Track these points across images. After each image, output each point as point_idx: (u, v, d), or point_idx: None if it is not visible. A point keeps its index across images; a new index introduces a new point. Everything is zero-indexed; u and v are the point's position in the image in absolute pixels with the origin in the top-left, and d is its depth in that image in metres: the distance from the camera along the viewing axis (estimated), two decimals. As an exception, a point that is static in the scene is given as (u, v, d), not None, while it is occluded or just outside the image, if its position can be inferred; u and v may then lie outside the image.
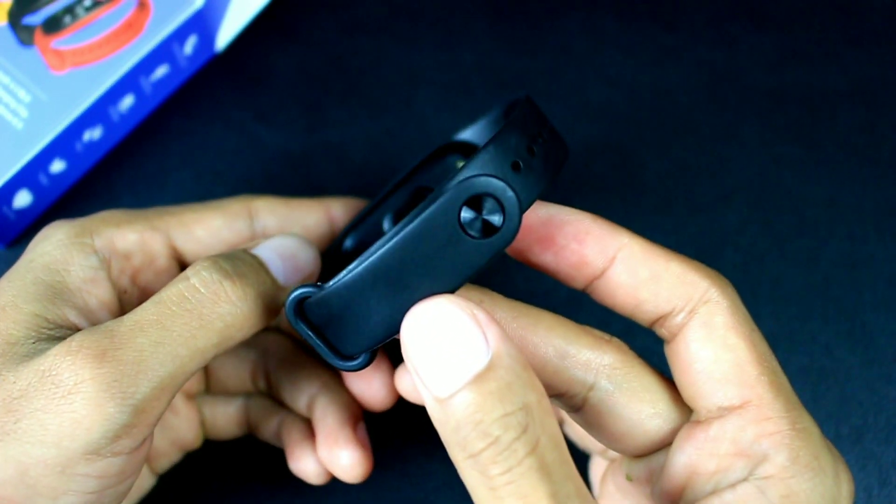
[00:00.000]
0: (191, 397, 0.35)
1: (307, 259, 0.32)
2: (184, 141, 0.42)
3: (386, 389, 0.34)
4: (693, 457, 0.27)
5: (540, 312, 0.29)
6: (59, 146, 0.38)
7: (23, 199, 0.39)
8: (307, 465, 0.34)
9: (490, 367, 0.24)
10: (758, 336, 0.27)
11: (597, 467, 0.34)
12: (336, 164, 0.42)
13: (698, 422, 0.27)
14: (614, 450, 0.29)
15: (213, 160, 0.42)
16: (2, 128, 0.38)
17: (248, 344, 0.35)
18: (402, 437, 0.38)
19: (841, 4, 0.46)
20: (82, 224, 0.30)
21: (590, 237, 0.28)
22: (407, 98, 0.43)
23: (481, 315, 0.24)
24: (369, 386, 0.34)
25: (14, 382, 0.26)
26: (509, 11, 0.45)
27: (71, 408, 0.25)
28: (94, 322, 0.29)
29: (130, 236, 0.31)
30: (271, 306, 0.30)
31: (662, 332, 0.29)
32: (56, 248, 0.30)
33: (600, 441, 0.29)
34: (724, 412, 0.26)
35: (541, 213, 0.28)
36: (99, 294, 0.30)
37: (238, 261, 0.29)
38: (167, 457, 0.35)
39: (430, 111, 0.43)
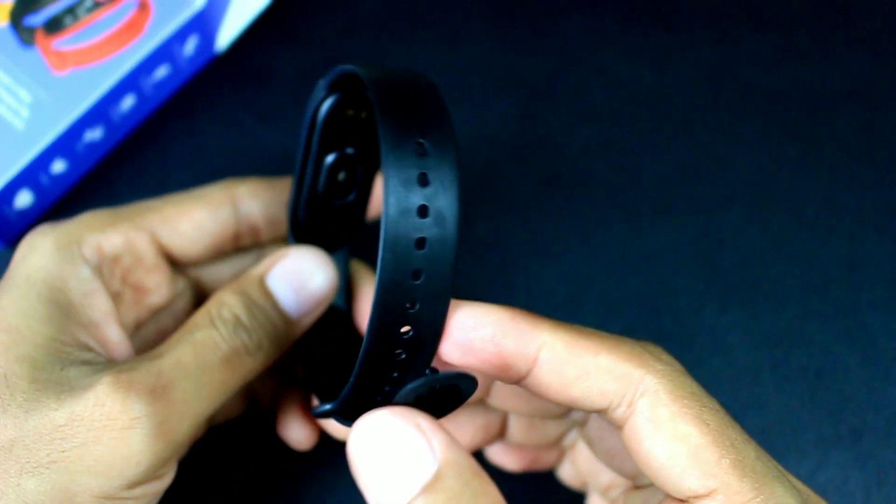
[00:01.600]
0: None
1: (321, 285, 0.32)
2: (184, 141, 0.42)
3: None
4: None
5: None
6: (60, 146, 0.39)
7: (24, 199, 0.39)
8: (293, 431, 0.35)
9: (437, 478, 0.23)
10: (709, 412, 0.25)
11: None
12: (336, 165, 0.42)
13: (675, 499, 0.26)
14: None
15: (214, 160, 0.42)
16: (3, 128, 0.38)
17: None
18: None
19: (841, 4, 0.46)
20: (66, 231, 0.30)
21: (507, 339, 0.26)
22: (407, 98, 0.43)
23: (425, 423, 0.24)
24: None
25: (56, 409, 0.27)
26: (509, 12, 0.45)
27: (126, 443, 0.26)
28: (99, 336, 0.30)
29: (115, 239, 0.31)
30: (285, 343, 0.31)
31: (608, 420, 0.27)
32: (49, 261, 0.30)
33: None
34: (694, 500, 0.25)
35: (454, 317, 0.26)
36: (99, 305, 0.30)
37: (254, 308, 0.31)
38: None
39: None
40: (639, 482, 0.30)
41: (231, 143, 0.42)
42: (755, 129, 0.43)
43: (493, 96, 0.43)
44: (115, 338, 0.30)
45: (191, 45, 0.41)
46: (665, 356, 0.26)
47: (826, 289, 0.41)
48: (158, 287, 0.32)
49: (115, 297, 0.31)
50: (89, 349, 0.29)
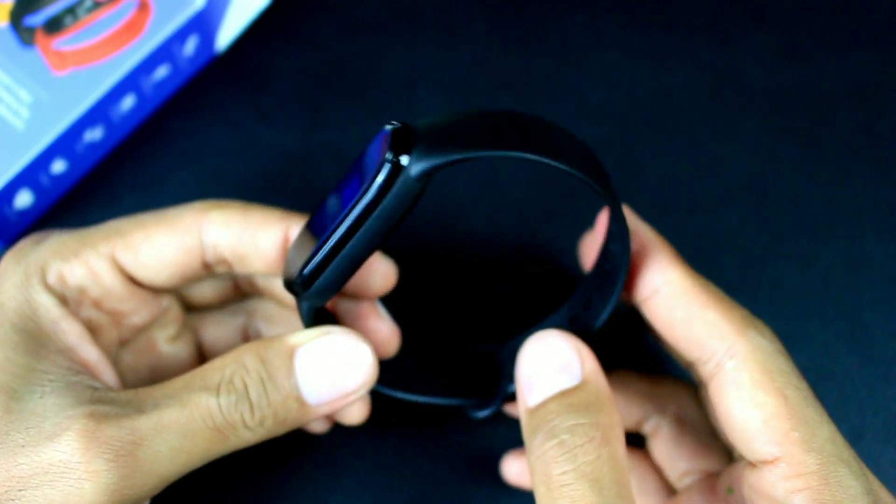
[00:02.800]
0: None
1: (355, 385, 0.29)
2: (184, 141, 0.42)
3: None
4: (747, 494, 0.28)
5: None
6: (60, 146, 0.39)
7: (24, 199, 0.39)
8: None
9: (577, 388, 0.27)
10: (792, 389, 0.27)
11: None
12: (336, 165, 0.42)
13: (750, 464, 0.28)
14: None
15: (214, 161, 0.42)
16: (3, 128, 0.38)
17: (234, 311, 0.35)
18: (402, 438, 0.38)
19: (841, 4, 0.46)
20: (36, 257, 0.30)
21: (644, 262, 0.30)
22: (407, 98, 0.43)
23: (584, 351, 0.28)
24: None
25: (22, 447, 0.26)
26: (509, 11, 0.45)
27: (80, 493, 0.26)
28: (77, 360, 0.29)
29: (78, 271, 0.30)
30: (293, 425, 0.29)
31: (696, 375, 0.29)
32: (18, 290, 0.29)
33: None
34: (760, 464, 0.27)
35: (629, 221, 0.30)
36: (70, 330, 0.30)
37: (269, 385, 0.28)
38: None
39: (430, 111, 0.43)
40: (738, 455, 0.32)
41: (231, 143, 0.42)
42: (755, 129, 0.43)
43: (493, 96, 0.43)
44: (94, 359, 0.30)
45: (191, 45, 0.41)
46: (769, 334, 0.29)
47: (826, 289, 0.41)
48: (137, 310, 0.32)
49: (91, 323, 0.31)
50: (74, 371, 0.29)
